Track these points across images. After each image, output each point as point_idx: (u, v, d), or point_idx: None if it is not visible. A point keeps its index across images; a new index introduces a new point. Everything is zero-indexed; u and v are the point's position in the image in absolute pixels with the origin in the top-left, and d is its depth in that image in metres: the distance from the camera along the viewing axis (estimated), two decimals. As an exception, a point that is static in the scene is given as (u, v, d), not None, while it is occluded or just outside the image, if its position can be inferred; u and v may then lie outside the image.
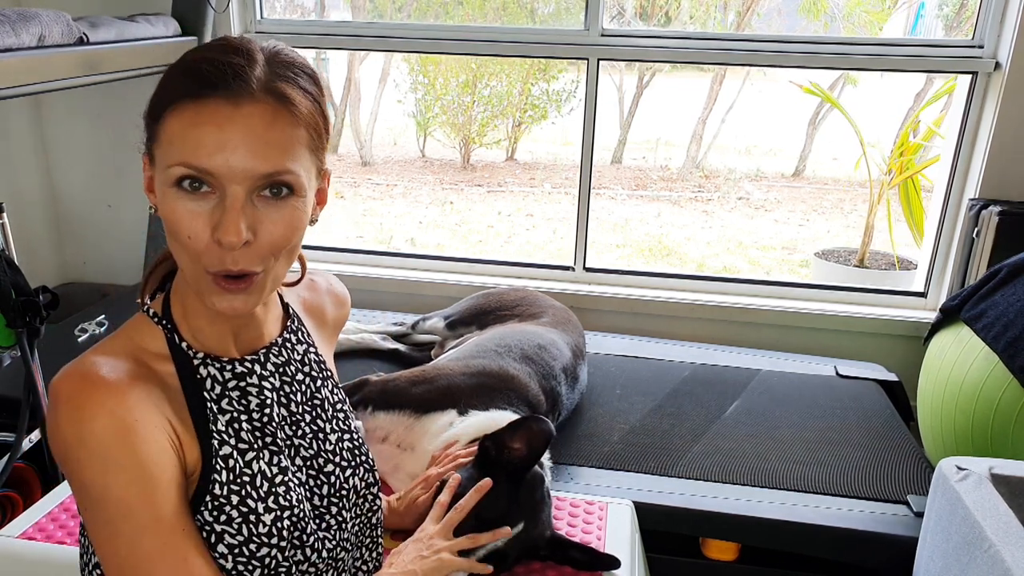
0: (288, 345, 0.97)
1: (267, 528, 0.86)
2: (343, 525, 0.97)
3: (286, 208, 0.80)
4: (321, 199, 0.90)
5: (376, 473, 1.04)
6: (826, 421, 2.03)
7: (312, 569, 0.92)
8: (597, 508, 1.51)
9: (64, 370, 0.80)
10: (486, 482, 1.18)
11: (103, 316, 2.34)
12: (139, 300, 0.92)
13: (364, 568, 1.05)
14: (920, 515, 1.61)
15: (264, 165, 0.77)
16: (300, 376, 0.97)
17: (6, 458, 1.72)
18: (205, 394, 0.87)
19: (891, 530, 1.60)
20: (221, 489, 0.85)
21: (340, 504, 0.97)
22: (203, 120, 0.76)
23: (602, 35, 2.60)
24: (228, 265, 0.78)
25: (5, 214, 1.98)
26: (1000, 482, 1.36)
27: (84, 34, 2.05)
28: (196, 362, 0.87)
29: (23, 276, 1.66)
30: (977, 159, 2.45)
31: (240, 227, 0.76)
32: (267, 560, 0.86)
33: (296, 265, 0.99)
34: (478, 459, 1.28)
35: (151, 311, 0.89)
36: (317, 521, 0.94)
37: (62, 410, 0.77)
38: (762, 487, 1.74)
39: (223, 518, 0.84)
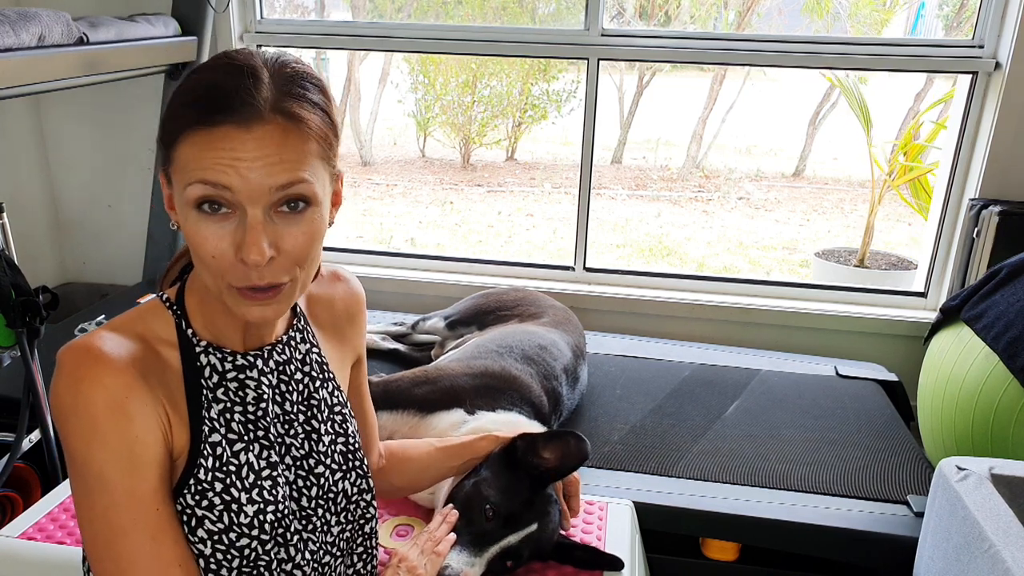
0: (292, 344, 0.98)
1: (248, 519, 0.87)
2: (327, 528, 0.97)
3: (304, 220, 0.82)
4: (336, 201, 0.91)
5: (371, 481, 1.04)
6: (826, 421, 2.02)
7: (298, 571, 0.92)
8: (597, 508, 1.51)
9: (72, 341, 0.83)
10: (453, 514, 1.20)
11: (103, 316, 2.34)
12: (158, 288, 0.95)
13: None
14: (920, 515, 1.61)
15: (278, 179, 0.78)
16: (299, 376, 0.98)
17: (6, 458, 1.72)
18: (203, 381, 0.89)
19: (891, 530, 1.60)
20: (206, 475, 0.86)
21: (326, 507, 0.97)
22: (216, 145, 0.77)
23: (602, 35, 2.60)
24: (255, 280, 0.80)
25: (5, 214, 1.98)
26: (1000, 482, 1.36)
27: (84, 34, 2.05)
28: (198, 350, 0.89)
29: (23, 276, 1.66)
30: (977, 159, 2.45)
31: (263, 246, 0.78)
32: (246, 551, 0.87)
33: None
34: (501, 455, 1.27)
35: (165, 297, 0.92)
36: (303, 522, 0.94)
37: (62, 378, 0.81)
38: (762, 487, 1.74)
39: (205, 503, 0.86)
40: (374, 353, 2.24)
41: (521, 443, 1.27)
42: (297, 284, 0.85)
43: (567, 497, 1.35)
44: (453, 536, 1.16)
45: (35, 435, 1.83)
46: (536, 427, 1.61)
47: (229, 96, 0.78)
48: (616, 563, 1.31)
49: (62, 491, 1.46)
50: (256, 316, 0.84)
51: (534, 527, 1.23)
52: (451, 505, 1.22)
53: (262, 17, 2.85)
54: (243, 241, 0.78)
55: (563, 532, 1.34)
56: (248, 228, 0.78)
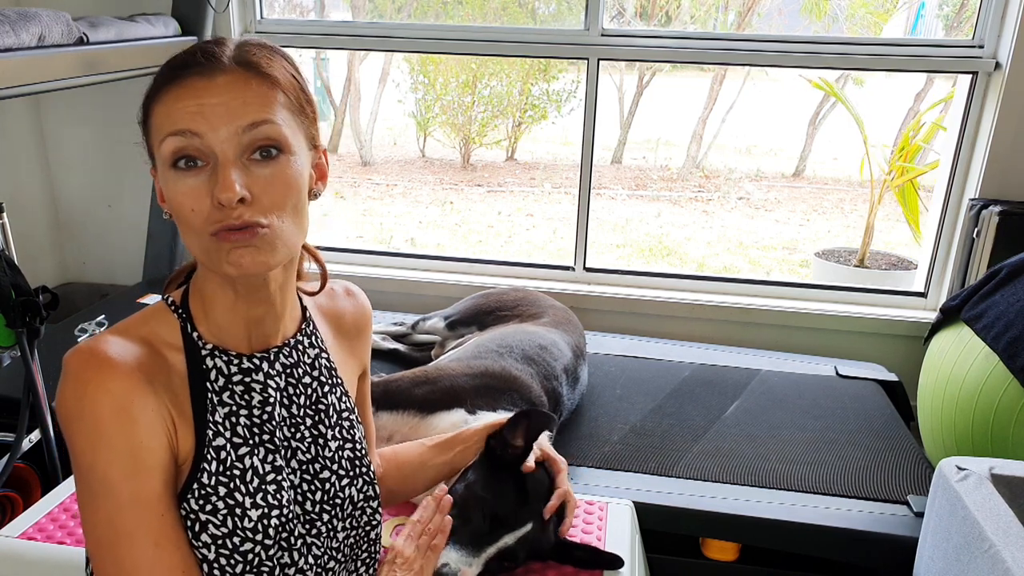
0: (300, 347, 0.97)
1: (252, 524, 0.87)
2: (333, 534, 0.97)
3: (277, 166, 0.83)
4: (321, 174, 0.92)
5: (377, 487, 1.03)
6: (826, 421, 2.03)
7: (300, 575, 0.92)
8: (597, 508, 1.51)
9: (78, 345, 0.83)
10: (447, 500, 1.14)
11: (103, 316, 2.34)
12: (163, 292, 0.95)
13: None
14: (920, 515, 1.61)
15: (244, 119, 0.80)
16: (307, 380, 0.97)
17: (6, 458, 1.72)
18: (208, 385, 0.88)
19: (891, 530, 1.60)
20: (209, 479, 0.86)
21: (332, 512, 0.97)
22: (183, 96, 0.81)
23: (602, 35, 2.60)
24: (232, 221, 0.80)
25: (5, 214, 1.98)
26: (1000, 482, 1.36)
27: (84, 34, 2.05)
28: (204, 353, 0.89)
29: (23, 276, 1.66)
30: (977, 159, 2.45)
31: (234, 182, 0.79)
32: (250, 556, 0.87)
33: (314, 268, 1.00)
34: (484, 458, 1.28)
35: (170, 299, 0.92)
36: (307, 526, 0.94)
37: (68, 383, 0.81)
38: (762, 487, 1.74)
39: (208, 508, 0.86)
40: (374, 353, 2.23)
41: (495, 442, 1.28)
42: (278, 237, 0.83)
43: (553, 476, 1.33)
44: (448, 521, 1.12)
45: (35, 435, 1.82)
46: None
47: (193, 55, 0.83)
48: (616, 562, 1.31)
49: (62, 491, 1.46)
50: (238, 263, 0.81)
51: (529, 527, 1.23)
52: (443, 487, 1.17)
53: (262, 17, 2.85)
54: (216, 183, 0.80)
55: (567, 524, 1.33)
56: (220, 169, 0.80)
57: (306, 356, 0.98)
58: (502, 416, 1.59)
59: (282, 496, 0.90)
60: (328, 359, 1.01)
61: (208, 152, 0.80)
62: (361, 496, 1.01)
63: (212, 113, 0.79)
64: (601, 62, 2.63)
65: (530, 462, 1.28)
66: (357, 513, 1.00)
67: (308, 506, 0.95)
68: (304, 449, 0.96)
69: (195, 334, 0.89)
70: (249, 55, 0.83)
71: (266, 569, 0.88)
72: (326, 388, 0.99)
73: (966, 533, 1.29)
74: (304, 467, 0.95)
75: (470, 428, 1.30)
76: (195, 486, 0.85)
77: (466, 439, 1.28)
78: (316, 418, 0.97)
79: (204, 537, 0.85)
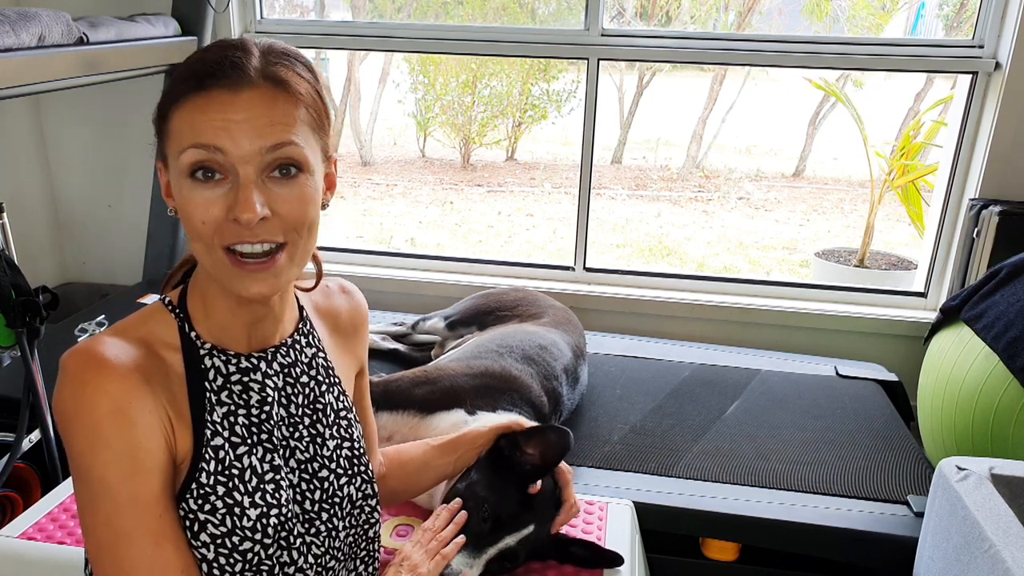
0: (297, 347, 0.97)
1: (251, 523, 0.87)
2: (334, 533, 0.97)
3: (296, 185, 0.83)
4: (330, 183, 0.92)
5: (375, 485, 1.03)
6: (826, 421, 2.02)
7: (300, 574, 0.92)
8: (597, 508, 1.51)
9: (75, 346, 0.83)
10: (462, 515, 1.19)
11: (103, 316, 2.34)
12: (161, 292, 0.95)
13: None
14: (920, 515, 1.61)
15: (268, 140, 0.80)
16: (305, 379, 0.97)
17: (6, 458, 1.72)
18: (206, 384, 0.89)
19: (891, 530, 1.60)
20: (208, 479, 0.86)
21: (332, 511, 0.97)
22: (207, 108, 0.80)
23: (602, 35, 2.60)
24: (247, 238, 0.81)
25: (5, 214, 1.98)
26: (1000, 482, 1.36)
27: (84, 34, 2.05)
28: (202, 352, 0.89)
29: (23, 276, 1.66)
30: (977, 159, 2.45)
31: (255, 203, 0.79)
32: (249, 556, 0.87)
33: (311, 267, 1.00)
34: (489, 457, 1.28)
35: (167, 300, 0.92)
36: (306, 525, 0.94)
37: (66, 384, 0.81)
38: (762, 487, 1.74)
39: (207, 507, 0.86)
40: (374, 353, 2.24)
41: (504, 442, 1.27)
42: (295, 253, 0.85)
43: (560, 488, 1.34)
44: (463, 539, 1.15)
45: (35, 435, 1.82)
46: None
47: (219, 64, 0.81)
48: (616, 560, 1.31)
49: (62, 491, 1.46)
50: (252, 291, 0.84)
51: (531, 528, 1.23)
52: (459, 500, 1.21)
53: (262, 17, 2.85)
54: (235, 201, 0.80)
55: (568, 526, 1.33)
56: (241, 187, 0.80)
57: (303, 355, 0.98)
58: (502, 416, 1.60)
59: (281, 495, 0.90)
60: (325, 358, 1.01)
61: (228, 168, 0.80)
62: (360, 495, 1.01)
63: (237, 130, 0.79)
64: (601, 62, 2.63)
65: (537, 484, 1.28)
66: (356, 512, 1.00)
67: (307, 505, 0.95)
68: (302, 448, 0.96)
69: (193, 334, 0.89)
70: (276, 71, 0.83)
71: (266, 568, 0.88)
72: (323, 387, 1.00)
73: (966, 533, 1.29)
74: (303, 466, 0.95)
75: (475, 430, 1.30)
76: (194, 486, 0.85)
77: (471, 440, 1.28)
78: (314, 417, 0.98)
79: (203, 537, 0.85)
